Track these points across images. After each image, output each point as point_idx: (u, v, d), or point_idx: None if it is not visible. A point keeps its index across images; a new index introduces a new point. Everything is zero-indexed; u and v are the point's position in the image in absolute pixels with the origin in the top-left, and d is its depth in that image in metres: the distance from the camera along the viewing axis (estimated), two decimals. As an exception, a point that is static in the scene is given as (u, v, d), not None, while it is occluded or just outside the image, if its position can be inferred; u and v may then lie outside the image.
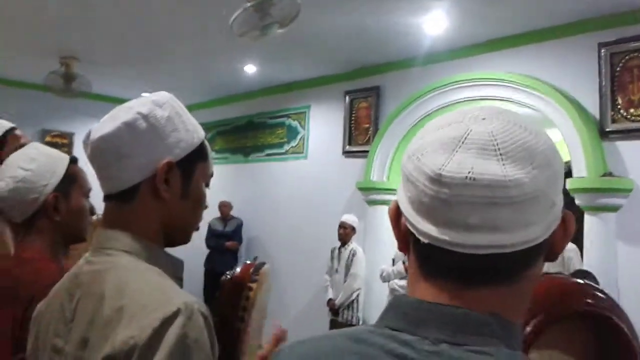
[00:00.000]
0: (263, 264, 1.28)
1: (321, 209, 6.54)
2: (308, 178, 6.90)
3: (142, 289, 0.87)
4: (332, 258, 5.78)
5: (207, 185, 1.05)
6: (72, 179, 1.48)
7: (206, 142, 1.06)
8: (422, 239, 0.64)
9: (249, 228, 7.46)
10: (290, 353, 0.70)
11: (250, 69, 6.61)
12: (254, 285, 1.22)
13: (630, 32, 4.27)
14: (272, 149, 7.52)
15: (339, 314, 5.56)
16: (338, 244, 5.72)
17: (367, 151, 6.03)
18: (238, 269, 1.28)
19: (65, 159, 1.50)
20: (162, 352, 0.79)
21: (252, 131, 7.78)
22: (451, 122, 0.66)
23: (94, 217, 1.56)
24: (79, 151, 7.98)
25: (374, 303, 5.63)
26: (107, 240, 0.97)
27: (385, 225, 5.77)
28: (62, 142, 8.17)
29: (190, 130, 1.02)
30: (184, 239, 1.04)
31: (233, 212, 7.52)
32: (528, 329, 0.83)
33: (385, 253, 5.60)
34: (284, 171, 7.28)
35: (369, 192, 5.95)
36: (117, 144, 0.95)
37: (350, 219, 5.70)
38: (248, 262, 1.30)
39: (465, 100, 5.30)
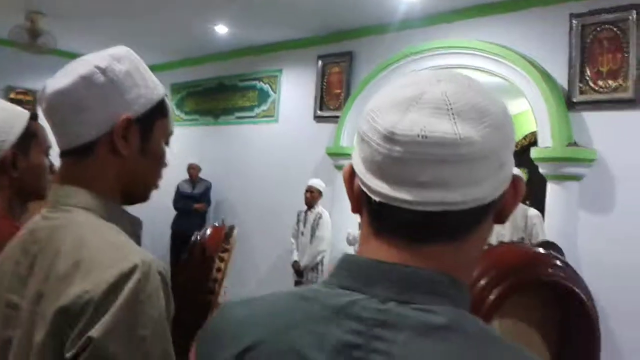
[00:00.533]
0: (233, 228, 1.27)
1: (291, 173, 6.54)
2: (278, 142, 6.87)
3: (100, 245, 0.86)
4: (298, 221, 5.82)
5: (167, 143, 1.03)
6: (31, 135, 1.44)
7: (167, 99, 1.04)
8: (374, 198, 0.65)
9: (218, 190, 7.44)
10: (232, 311, 0.71)
11: (221, 29, 6.49)
12: (224, 255, 1.21)
13: (601, 4, 4.30)
14: (243, 112, 7.44)
15: (304, 276, 5.64)
16: (304, 207, 5.76)
17: (338, 117, 6.03)
18: (208, 232, 1.26)
19: (24, 114, 1.46)
20: (115, 306, 0.79)
21: (223, 93, 7.68)
22: (407, 84, 0.67)
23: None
24: (45, 109, 7.80)
25: (341, 267, 5.69)
26: (64, 197, 0.95)
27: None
28: (27, 99, 7.95)
29: (150, 86, 1.00)
30: (143, 197, 1.02)
31: (202, 175, 7.46)
32: (491, 296, 0.84)
33: (351, 217, 5.62)
34: (254, 134, 7.23)
35: (338, 157, 5.96)
36: (74, 98, 0.92)
37: (317, 183, 5.74)
38: (217, 224, 1.29)
39: (435, 68, 5.31)
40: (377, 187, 0.64)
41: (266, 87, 7.17)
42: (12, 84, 7.91)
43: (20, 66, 7.58)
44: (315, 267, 5.64)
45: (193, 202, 7.22)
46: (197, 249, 1.21)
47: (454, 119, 0.62)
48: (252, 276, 6.31)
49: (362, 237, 0.69)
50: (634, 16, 4.13)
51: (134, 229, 0.97)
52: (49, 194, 0.99)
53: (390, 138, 0.63)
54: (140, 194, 1.02)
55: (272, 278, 6.24)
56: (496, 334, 0.62)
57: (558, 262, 0.93)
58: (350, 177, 0.70)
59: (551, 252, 0.95)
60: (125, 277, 0.81)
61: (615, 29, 4.25)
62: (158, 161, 1.01)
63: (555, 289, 0.89)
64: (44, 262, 0.89)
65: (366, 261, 0.66)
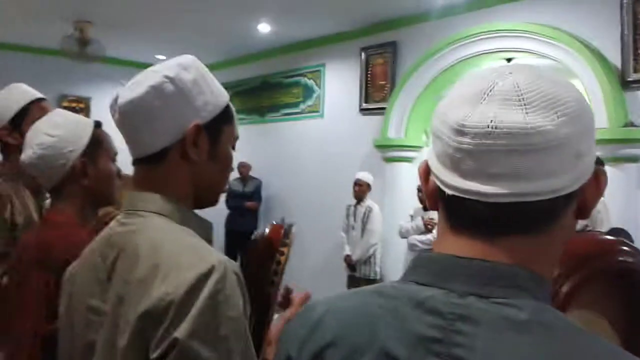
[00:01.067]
0: (291, 225, 1.28)
1: (338, 167, 6.53)
2: (325, 136, 6.87)
3: (177, 248, 0.89)
4: (347, 215, 5.81)
5: (233, 147, 1.06)
6: (98, 143, 1.49)
7: (231, 105, 1.06)
8: (448, 191, 0.65)
9: (268, 187, 7.50)
10: (312, 310, 0.72)
11: (264, 27, 6.53)
12: (284, 249, 1.22)
13: (654, -23, 4.13)
14: (288, 108, 7.47)
15: (357, 270, 5.63)
16: (354, 201, 5.75)
17: (384, 108, 5.97)
18: (267, 230, 1.26)
19: (90, 123, 1.51)
20: (196, 307, 0.81)
21: (268, 91, 7.73)
22: (477, 78, 0.66)
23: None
24: (96, 115, 8.00)
25: (392, 259, 5.67)
26: (139, 202, 0.98)
27: (403, 182, 5.77)
28: (79, 106, 8.21)
29: (216, 92, 1.02)
30: (213, 201, 1.06)
31: (252, 173, 7.53)
32: (564, 288, 0.83)
33: (402, 209, 5.61)
34: (300, 130, 7.25)
35: (386, 149, 5.93)
36: (146, 107, 0.95)
37: (365, 176, 5.71)
38: (275, 222, 1.30)
39: (483, 53, 5.20)
40: (451, 180, 0.65)
41: (310, 82, 7.18)
42: (64, 92, 8.15)
43: (71, 75, 7.83)
44: (367, 260, 5.61)
45: (245, 200, 7.30)
46: (259, 244, 1.24)
47: (525, 109, 0.61)
48: (305, 271, 6.34)
49: (439, 233, 0.69)
50: (691, -13, 3.94)
51: (205, 232, 1.00)
52: (124, 200, 1.02)
53: (460, 131, 0.63)
54: (210, 198, 1.05)
55: (325, 272, 6.26)
56: (578, 326, 0.61)
57: (628, 249, 0.90)
58: (426, 173, 0.70)
59: (621, 239, 0.92)
60: (203, 278, 0.83)
61: (670, 2, 4.07)
62: (226, 166, 1.05)
63: (626, 275, 0.87)
64: (122, 266, 0.92)
65: (443, 256, 0.66)
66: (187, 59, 1.03)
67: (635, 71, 4.25)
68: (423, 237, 5.18)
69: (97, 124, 1.52)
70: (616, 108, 4.23)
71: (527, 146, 0.60)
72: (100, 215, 1.62)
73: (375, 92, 6.27)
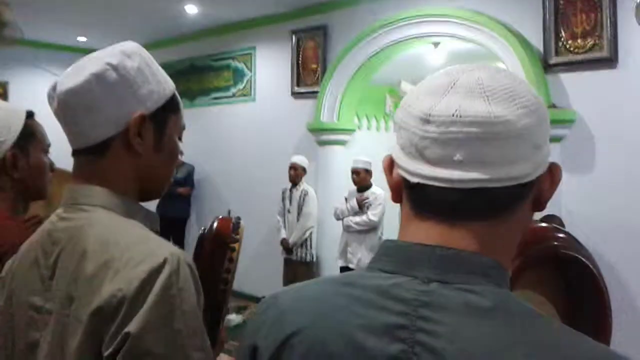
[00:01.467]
0: (239, 219, 1.26)
1: (272, 151, 6.52)
2: (257, 121, 6.83)
3: (126, 242, 0.86)
4: (283, 199, 5.81)
5: (179, 138, 1.03)
6: (30, 134, 1.42)
7: (177, 94, 1.03)
8: (412, 180, 0.67)
9: (200, 173, 7.38)
10: (275, 301, 0.72)
11: (191, 9, 6.37)
12: (235, 245, 1.20)
13: (572, -36, 4.29)
14: (219, 92, 7.36)
15: (293, 252, 5.66)
16: (289, 185, 5.75)
17: (316, 92, 5.99)
18: (215, 224, 1.23)
19: (21, 113, 1.43)
20: (148, 301, 0.79)
21: (197, 75, 7.58)
22: (440, 75, 0.69)
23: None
24: (14, 100, 7.61)
25: (327, 241, 5.74)
26: (81, 196, 0.94)
27: (337, 165, 5.82)
28: (-3, 91, 7.79)
29: (161, 81, 0.99)
30: (158, 193, 1.02)
31: (183, 158, 7.34)
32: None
33: (336, 192, 5.66)
34: (232, 114, 7.17)
35: (319, 132, 5.96)
36: (87, 96, 0.91)
37: (300, 159, 5.72)
38: (222, 216, 1.27)
39: (412, 38, 5.28)
40: (416, 169, 0.66)
41: (241, 65, 7.09)
42: (-20, 77, 7.73)
43: (-13, 58, 7.41)
44: (304, 243, 5.65)
45: (177, 186, 7.17)
46: (207, 240, 1.20)
47: (487, 99, 0.64)
48: (242, 255, 6.28)
49: (403, 221, 0.70)
50: (606, -26, 4.12)
51: (152, 224, 0.97)
52: (64, 194, 0.97)
53: (426, 120, 0.65)
54: (156, 190, 1.02)
55: (261, 256, 6.25)
56: (539, 312, 0.63)
57: (561, 235, 0.95)
58: (390, 166, 0.72)
59: (554, 225, 0.97)
60: (156, 271, 0.81)
61: (588, -11, 4.24)
62: (172, 157, 1.01)
63: (560, 260, 0.91)
64: (68, 263, 0.89)
65: (406, 244, 0.67)
66: (131, 45, 0.98)
67: (556, 54, 4.43)
68: (358, 218, 5.25)
69: (30, 114, 1.44)
70: (539, 90, 4.39)
71: (490, 134, 0.63)
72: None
73: (307, 76, 6.27)
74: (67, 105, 0.93)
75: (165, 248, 0.85)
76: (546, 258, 0.91)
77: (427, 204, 0.67)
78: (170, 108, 1.00)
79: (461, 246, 0.65)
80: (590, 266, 0.90)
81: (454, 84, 0.66)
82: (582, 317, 0.86)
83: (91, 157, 0.95)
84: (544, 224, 0.98)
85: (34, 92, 7.60)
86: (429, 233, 0.66)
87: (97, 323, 0.81)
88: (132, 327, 0.78)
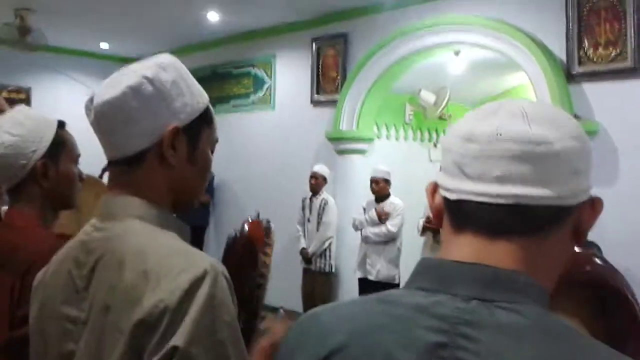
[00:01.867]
0: (270, 223, 1.25)
1: (291, 160, 6.51)
2: (277, 129, 6.83)
3: (164, 252, 0.87)
4: (303, 207, 5.79)
5: (212, 150, 1.04)
6: (61, 144, 1.44)
7: (210, 107, 1.04)
8: (452, 197, 0.70)
9: (219, 181, 7.40)
10: (314, 317, 0.73)
11: (212, 16, 6.42)
12: (268, 250, 1.19)
13: (597, -26, 4.25)
14: (238, 99, 7.39)
15: (312, 262, 5.62)
16: (309, 194, 5.74)
17: (336, 100, 5.98)
18: (246, 227, 1.21)
19: (53, 123, 1.46)
20: (192, 313, 0.80)
21: (217, 82, 7.59)
22: (487, 104, 0.73)
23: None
24: (36, 106, 7.68)
25: (346, 251, 5.70)
26: (117, 207, 0.95)
27: (355, 174, 5.80)
28: (19, 97, 7.88)
29: (195, 94, 1.00)
30: (190, 204, 1.03)
31: (202, 165, 7.41)
32: None
33: (356, 201, 5.63)
34: (251, 122, 7.18)
35: (338, 141, 5.94)
36: (123, 108, 0.93)
37: (321, 169, 5.69)
38: (251, 219, 1.26)
39: (432, 46, 5.27)
40: (456, 186, 0.69)
41: (261, 73, 7.11)
42: (4, 82, 7.80)
43: (11, 64, 7.51)
44: (323, 253, 5.60)
45: (195, 193, 7.19)
46: (240, 244, 1.19)
47: (528, 122, 0.67)
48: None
49: (443, 241, 0.72)
50: (632, -16, 4.08)
51: (183, 235, 0.97)
52: (99, 204, 0.99)
53: (469, 138, 0.69)
54: (188, 201, 1.03)
55: (280, 265, 6.17)
56: (579, 331, 0.64)
57: (597, 260, 0.96)
58: (433, 190, 0.74)
59: (592, 251, 0.99)
60: (197, 282, 0.81)
61: (612, -2, 4.20)
62: (205, 169, 1.02)
63: (598, 286, 0.93)
64: (106, 273, 0.89)
65: (445, 262, 0.68)
66: (166, 58, 1.00)
67: (579, 64, 4.38)
68: (377, 229, 5.22)
69: (61, 124, 1.47)
70: (561, 101, 4.35)
71: (529, 153, 0.66)
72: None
73: (327, 84, 6.27)
74: (104, 117, 0.94)
75: (204, 259, 0.86)
76: (580, 283, 0.91)
77: (466, 219, 0.69)
78: (203, 121, 1.01)
79: (500, 263, 0.66)
80: (625, 291, 0.92)
81: (498, 109, 0.69)
82: (618, 341, 0.85)
83: (126, 168, 0.96)
84: (578, 249, 0.99)
85: (56, 98, 7.79)
86: (468, 250, 0.67)
87: (139, 334, 0.81)
88: (178, 340, 0.79)
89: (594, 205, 0.70)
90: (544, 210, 0.66)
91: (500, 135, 0.66)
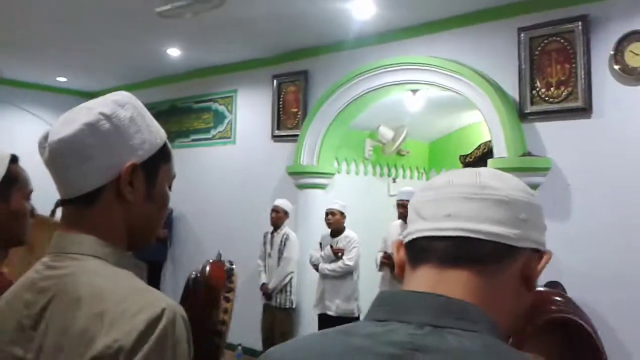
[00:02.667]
0: (232, 265, 1.22)
1: (251, 194, 6.50)
2: (237, 163, 6.82)
3: (120, 292, 0.85)
4: (264, 242, 5.75)
5: (169, 186, 1.03)
6: (12, 179, 1.40)
7: (168, 143, 1.04)
8: (409, 238, 0.76)
9: (178, 215, 7.32)
10: (274, 352, 0.75)
11: (173, 52, 6.42)
12: (230, 295, 1.16)
13: (549, 17, 4.44)
14: (199, 134, 7.38)
15: (272, 298, 5.56)
16: (270, 228, 5.71)
17: (297, 135, 6.03)
18: (207, 269, 1.18)
19: (5, 157, 1.41)
20: (143, 351, 0.79)
21: (177, 116, 7.58)
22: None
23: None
24: (-6, 139, 7.38)
25: (307, 286, 5.68)
26: (71, 244, 0.93)
27: (316, 209, 5.80)
28: (-27, 130, 7.70)
29: (153, 131, 1.00)
30: (148, 241, 1.02)
31: (160, 200, 7.31)
32: (511, 340, 0.90)
33: (315, 236, 5.64)
34: (212, 157, 7.16)
35: (299, 176, 5.97)
36: (79, 146, 0.92)
37: (283, 203, 5.68)
38: (213, 260, 1.23)
39: (390, 84, 5.37)
40: (413, 229, 0.77)
41: (221, 108, 7.13)
42: (-44, 115, 7.66)
43: (-35, 96, 7.37)
44: (283, 288, 5.55)
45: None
46: (201, 288, 1.15)
47: (477, 174, 0.77)
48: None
49: (404, 278, 0.77)
50: (580, 27, 4.27)
51: (140, 273, 0.96)
52: (52, 242, 0.96)
53: (426, 187, 0.79)
54: (145, 239, 1.01)
55: (240, 301, 6.13)
56: (528, 356, 0.69)
57: (559, 298, 1.01)
58: (398, 248, 0.80)
59: (556, 290, 1.05)
60: (154, 323, 0.81)
61: (562, 41, 4.38)
62: (162, 205, 1.01)
63: (561, 325, 0.97)
64: (58, 314, 0.87)
65: (399, 293, 0.73)
66: (123, 95, 0.99)
67: (532, 103, 4.53)
68: (333, 265, 5.24)
69: (14, 159, 1.42)
70: (514, 139, 4.49)
71: (477, 194, 0.74)
72: None
73: (288, 119, 6.32)
74: (59, 155, 0.93)
75: (161, 299, 0.85)
76: (547, 323, 0.95)
77: (421, 254, 0.74)
78: (161, 157, 1.00)
79: (451, 293, 0.70)
80: (587, 328, 0.96)
81: (454, 170, 0.80)
82: None
83: (81, 205, 0.95)
84: (543, 289, 1.03)
85: (12, 131, 7.61)
86: (421, 280, 0.72)
87: None
88: None
89: (541, 256, 0.76)
90: (491, 246, 0.72)
91: (452, 182, 0.76)
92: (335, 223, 5.32)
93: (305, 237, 5.77)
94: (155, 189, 0.98)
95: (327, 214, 5.34)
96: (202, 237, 6.96)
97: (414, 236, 0.75)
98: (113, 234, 0.94)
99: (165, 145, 1.02)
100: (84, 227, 0.94)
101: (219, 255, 1.25)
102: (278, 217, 5.63)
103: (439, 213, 0.74)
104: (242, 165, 6.75)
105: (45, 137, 0.95)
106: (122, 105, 0.96)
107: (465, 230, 0.72)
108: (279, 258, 5.57)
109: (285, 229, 5.66)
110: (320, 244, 5.41)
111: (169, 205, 1.04)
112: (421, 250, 0.74)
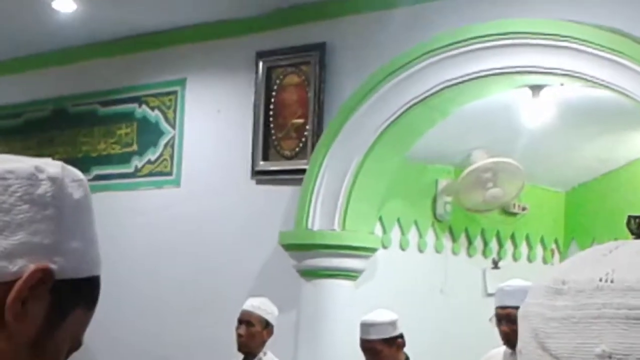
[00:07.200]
0: None
1: (209, 293, 6.51)
2: (183, 223, 6.80)
3: None
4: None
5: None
6: None
7: None
8: None
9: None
10: None
11: (65, 4, 6.45)
12: None
13: None
14: (108, 165, 7.41)
15: None
16: (238, 356, 5.67)
17: (302, 171, 6.01)
18: None
19: None
20: None
21: (65, 129, 7.70)
22: None
23: None
24: None
25: None
26: None
27: (339, 317, 5.79)
28: None
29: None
30: None
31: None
32: None
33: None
34: (132, 213, 7.17)
35: (303, 250, 5.95)
36: None
37: (259, 306, 5.63)
38: None
39: (489, 74, 5.40)
40: None
41: (154, 115, 7.15)
42: None
43: None
44: None
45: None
46: None
47: None
48: None
49: None
50: None
51: None
52: None
53: (558, 290, 0.82)
54: None
55: None
56: None
57: None
58: None
59: None
60: None
61: None
62: None
63: None
64: None
65: None
66: None
67: None
68: None
69: None
70: None
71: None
72: None
73: (285, 140, 6.34)
74: None
75: None
76: None
77: None
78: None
79: None
80: None
81: (621, 246, 0.81)
82: None
83: None
84: None
85: None
86: None
87: None
88: None
89: None
90: None
91: (611, 280, 0.76)
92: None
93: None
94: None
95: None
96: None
97: None
98: None
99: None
100: None
101: None
102: (249, 334, 5.58)
103: (582, 349, 0.75)
104: (192, 229, 6.74)
105: None
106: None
107: None
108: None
109: (268, 355, 5.62)
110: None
111: None
112: None
